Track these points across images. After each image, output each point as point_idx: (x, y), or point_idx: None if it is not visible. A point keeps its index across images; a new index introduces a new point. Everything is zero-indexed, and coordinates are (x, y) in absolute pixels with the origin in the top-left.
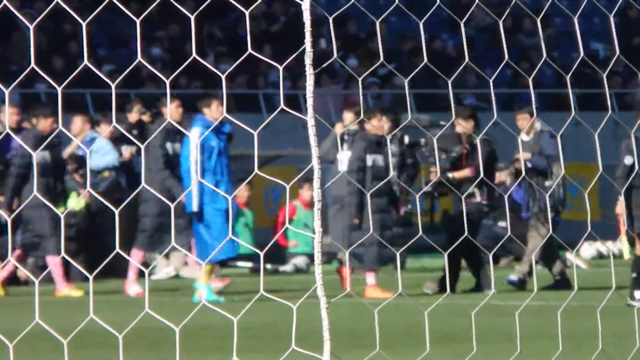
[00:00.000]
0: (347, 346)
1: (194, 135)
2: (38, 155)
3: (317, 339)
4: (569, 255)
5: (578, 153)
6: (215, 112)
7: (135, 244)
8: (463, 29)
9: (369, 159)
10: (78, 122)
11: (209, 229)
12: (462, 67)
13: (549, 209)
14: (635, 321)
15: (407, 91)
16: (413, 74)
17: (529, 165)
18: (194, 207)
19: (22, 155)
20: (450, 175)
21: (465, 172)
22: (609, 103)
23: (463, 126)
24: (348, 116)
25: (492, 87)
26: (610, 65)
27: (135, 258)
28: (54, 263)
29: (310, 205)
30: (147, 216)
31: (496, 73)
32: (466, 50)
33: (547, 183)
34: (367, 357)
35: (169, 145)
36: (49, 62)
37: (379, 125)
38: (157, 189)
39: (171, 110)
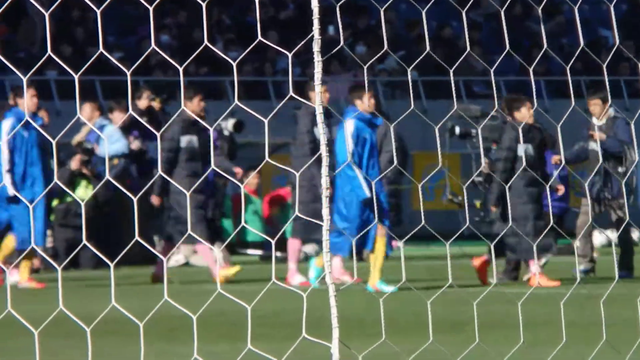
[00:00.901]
0: (356, 334)
1: (349, 127)
2: (184, 140)
3: (326, 326)
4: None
5: None
6: (366, 104)
7: (292, 233)
8: (465, 18)
9: (521, 149)
10: (87, 109)
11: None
12: (462, 57)
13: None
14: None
15: (409, 79)
16: (415, 62)
17: (598, 148)
18: (367, 193)
19: (170, 140)
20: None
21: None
22: (624, 91)
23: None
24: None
25: (492, 77)
26: (613, 52)
27: (292, 247)
28: (204, 250)
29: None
30: (301, 203)
31: (497, 62)
32: (467, 40)
33: (620, 169)
34: (373, 346)
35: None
36: (56, 49)
37: (529, 113)
38: (305, 176)
39: (314, 97)
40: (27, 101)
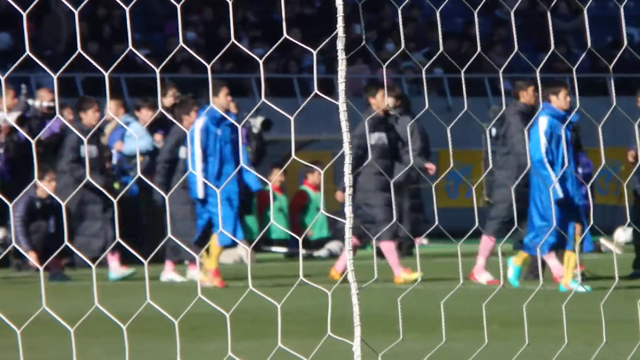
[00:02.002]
0: (380, 331)
1: (542, 124)
2: (374, 137)
3: (350, 324)
4: (603, 241)
5: (614, 137)
6: (562, 101)
7: (485, 231)
8: (476, 18)
9: None
10: (112, 106)
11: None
12: (474, 57)
13: None
14: None
15: (423, 78)
16: (429, 63)
17: None
18: (560, 194)
19: (360, 137)
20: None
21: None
22: None
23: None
24: (388, 100)
25: (501, 77)
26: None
27: (485, 245)
28: (388, 249)
29: (317, 187)
30: (502, 202)
31: (506, 63)
32: (479, 41)
33: None
34: (392, 345)
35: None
36: (83, 47)
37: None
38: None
39: (374, 102)
40: (221, 99)
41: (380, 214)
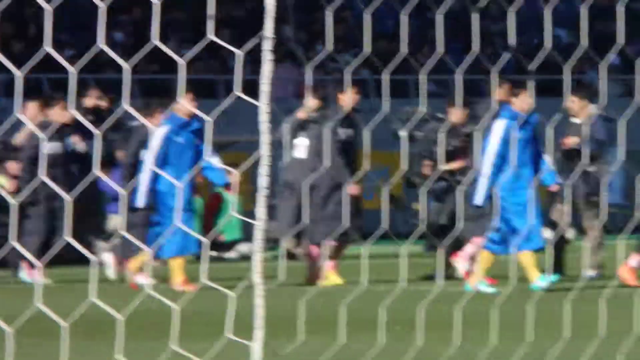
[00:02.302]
0: (287, 333)
1: (498, 128)
2: (342, 133)
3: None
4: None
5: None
6: (524, 102)
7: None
8: (402, 19)
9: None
10: (30, 107)
11: (507, 222)
12: (395, 58)
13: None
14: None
15: (349, 80)
16: (355, 63)
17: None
18: (479, 201)
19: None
20: (443, 168)
21: (458, 164)
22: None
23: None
24: (311, 102)
25: (421, 79)
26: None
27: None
28: (316, 252)
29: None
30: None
31: (431, 66)
32: (402, 42)
33: (591, 168)
34: (293, 346)
35: None
36: (7, 46)
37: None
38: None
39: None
40: (183, 106)
41: (316, 214)
